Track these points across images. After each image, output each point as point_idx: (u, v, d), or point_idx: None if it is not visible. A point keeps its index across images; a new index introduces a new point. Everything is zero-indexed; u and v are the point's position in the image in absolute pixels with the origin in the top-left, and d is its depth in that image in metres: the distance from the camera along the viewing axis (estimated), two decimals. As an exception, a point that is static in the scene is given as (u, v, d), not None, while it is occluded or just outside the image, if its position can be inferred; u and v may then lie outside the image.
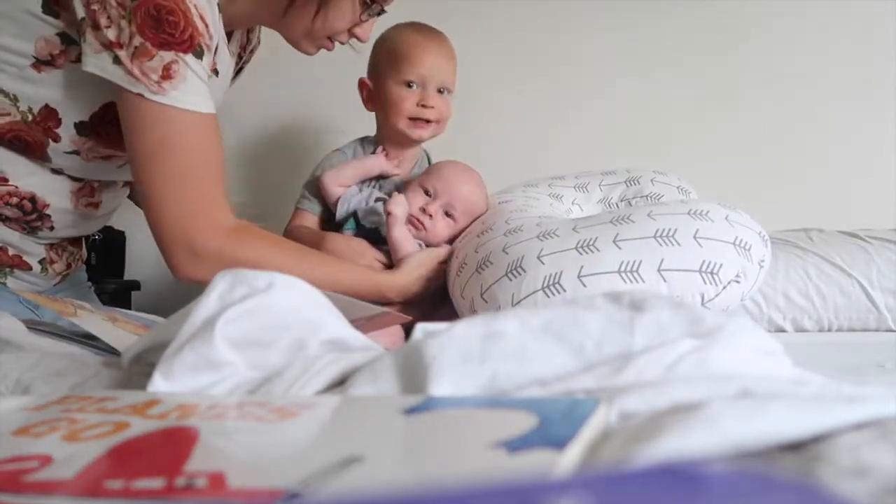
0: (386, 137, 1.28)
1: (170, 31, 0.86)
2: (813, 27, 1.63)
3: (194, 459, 0.34)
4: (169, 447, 0.37)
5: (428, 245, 1.19)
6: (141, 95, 0.87)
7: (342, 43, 1.09)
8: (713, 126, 1.66)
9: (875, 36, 1.61)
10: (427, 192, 1.19)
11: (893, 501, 0.28)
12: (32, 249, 1.08)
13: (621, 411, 0.39)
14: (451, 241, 1.21)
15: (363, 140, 1.32)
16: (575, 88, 1.69)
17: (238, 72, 1.23)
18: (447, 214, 1.19)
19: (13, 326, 0.76)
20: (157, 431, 0.39)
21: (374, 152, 1.29)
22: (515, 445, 0.32)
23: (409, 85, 1.23)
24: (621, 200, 1.28)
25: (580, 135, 1.68)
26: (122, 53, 0.86)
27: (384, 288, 1.09)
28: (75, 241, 1.16)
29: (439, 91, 1.24)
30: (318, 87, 1.47)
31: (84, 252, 1.22)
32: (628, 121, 1.67)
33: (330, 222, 1.25)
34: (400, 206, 1.15)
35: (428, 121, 1.24)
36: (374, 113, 1.31)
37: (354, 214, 1.21)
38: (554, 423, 0.35)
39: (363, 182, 1.27)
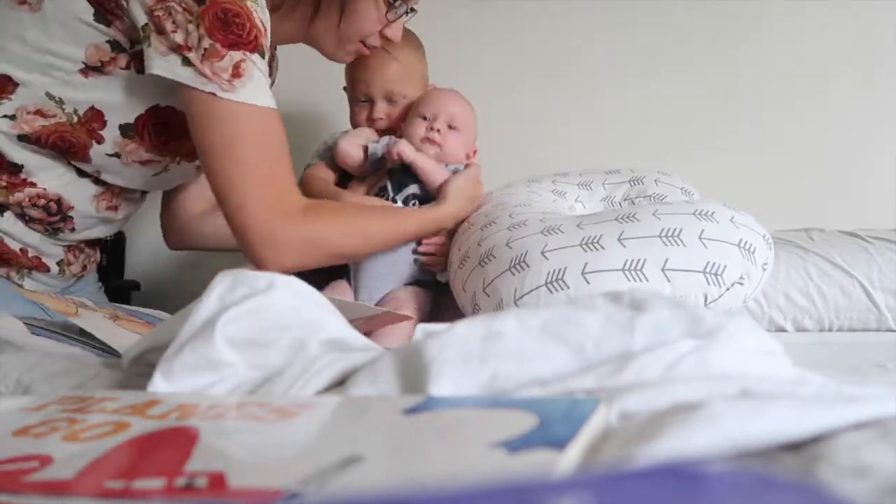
0: None
1: (238, 33, 0.89)
2: (813, 27, 1.63)
3: (194, 459, 0.34)
4: (169, 447, 0.37)
5: (449, 164, 1.25)
6: (213, 94, 0.89)
7: (375, 46, 1.12)
8: (714, 126, 1.65)
9: (875, 36, 1.61)
10: (425, 118, 1.25)
11: (893, 501, 0.28)
12: (51, 251, 1.10)
13: (621, 411, 0.39)
14: (467, 159, 1.27)
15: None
16: (575, 88, 1.69)
17: None
18: (451, 128, 1.25)
19: (13, 327, 0.76)
20: (157, 431, 0.39)
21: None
22: (515, 445, 0.32)
23: (360, 100, 1.29)
24: (624, 200, 1.28)
25: (580, 135, 1.67)
26: (191, 55, 0.88)
27: (441, 221, 1.16)
28: (92, 244, 1.18)
29: (389, 100, 1.28)
30: (322, 76, 1.47)
31: (98, 254, 1.24)
32: (629, 120, 1.67)
33: (344, 181, 1.29)
34: (402, 142, 1.21)
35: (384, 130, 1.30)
36: None
37: (389, 173, 1.24)
38: (554, 423, 0.35)
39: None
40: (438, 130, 1.23)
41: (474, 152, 1.30)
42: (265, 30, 0.93)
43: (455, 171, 1.24)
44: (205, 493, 0.30)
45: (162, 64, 0.89)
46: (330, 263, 1.14)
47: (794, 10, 1.62)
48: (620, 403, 0.39)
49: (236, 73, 0.90)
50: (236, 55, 0.89)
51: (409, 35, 1.30)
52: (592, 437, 0.35)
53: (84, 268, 1.18)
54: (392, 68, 1.26)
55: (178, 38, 0.88)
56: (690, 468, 0.22)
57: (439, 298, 1.19)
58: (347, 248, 1.06)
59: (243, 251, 0.97)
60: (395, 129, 1.30)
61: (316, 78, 1.41)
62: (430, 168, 1.21)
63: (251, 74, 0.91)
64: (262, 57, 0.93)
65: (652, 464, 0.29)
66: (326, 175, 1.29)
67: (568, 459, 0.31)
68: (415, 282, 1.18)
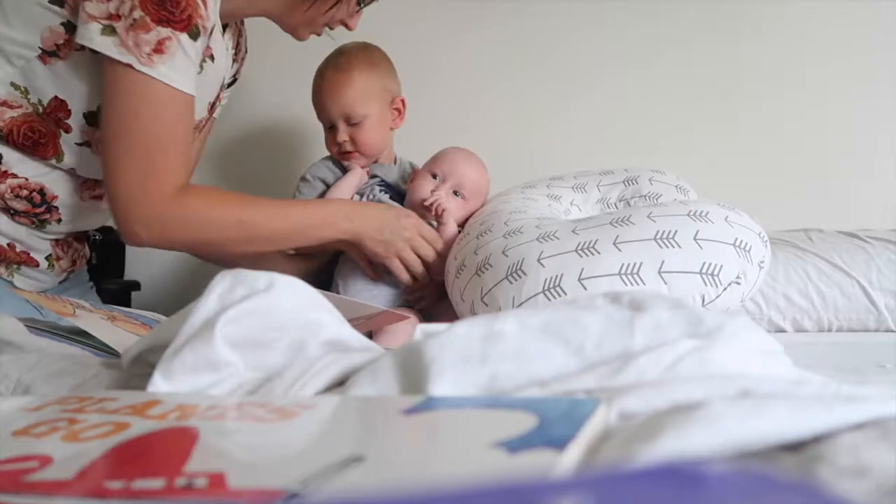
0: None
1: (171, 10, 0.89)
2: (813, 26, 1.63)
3: (194, 459, 0.34)
4: (169, 447, 0.37)
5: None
6: (130, 66, 0.89)
7: (332, 28, 1.13)
8: (713, 126, 1.65)
9: (875, 35, 1.61)
10: (434, 177, 1.24)
11: (893, 502, 0.28)
12: (39, 245, 1.09)
13: (621, 411, 0.39)
14: (464, 222, 1.25)
15: (330, 158, 1.35)
16: (575, 89, 1.69)
17: (233, 80, 1.26)
18: (456, 194, 1.24)
19: (14, 327, 0.76)
20: (157, 432, 0.39)
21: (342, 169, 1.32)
22: (515, 445, 0.32)
23: (326, 126, 1.30)
24: (620, 200, 1.28)
25: (579, 135, 1.67)
26: (118, 25, 0.88)
27: (339, 218, 1.10)
28: (80, 238, 1.18)
29: (349, 122, 1.27)
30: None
31: (87, 250, 1.24)
32: (627, 121, 1.67)
33: None
34: (450, 205, 1.20)
35: (352, 151, 1.29)
36: None
37: None
38: (554, 423, 0.35)
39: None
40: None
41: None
42: (206, 10, 0.92)
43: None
44: (205, 493, 0.30)
45: (84, 31, 0.89)
46: (196, 249, 1.12)
47: (794, 10, 1.62)
48: (620, 403, 0.39)
49: (159, 48, 0.89)
50: (164, 32, 0.89)
51: (365, 51, 1.30)
52: (592, 437, 0.35)
53: (74, 262, 1.17)
54: (346, 91, 1.26)
55: (112, 6, 0.88)
56: (690, 468, 0.22)
57: (426, 319, 1.19)
58: (216, 233, 1.01)
59: (115, 221, 0.98)
60: (364, 151, 1.29)
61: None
62: (446, 232, 1.20)
63: (173, 54, 0.90)
64: (194, 39, 0.92)
65: (652, 464, 0.29)
66: None
67: (568, 459, 0.31)
68: (403, 304, 1.19)
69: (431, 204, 1.20)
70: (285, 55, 1.42)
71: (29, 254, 1.09)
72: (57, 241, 1.12)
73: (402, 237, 1.13)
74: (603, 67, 1.68)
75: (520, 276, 0.96)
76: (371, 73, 1.29)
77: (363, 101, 1.27)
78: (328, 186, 1.29)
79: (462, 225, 1.24)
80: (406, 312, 1.10)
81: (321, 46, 1.41)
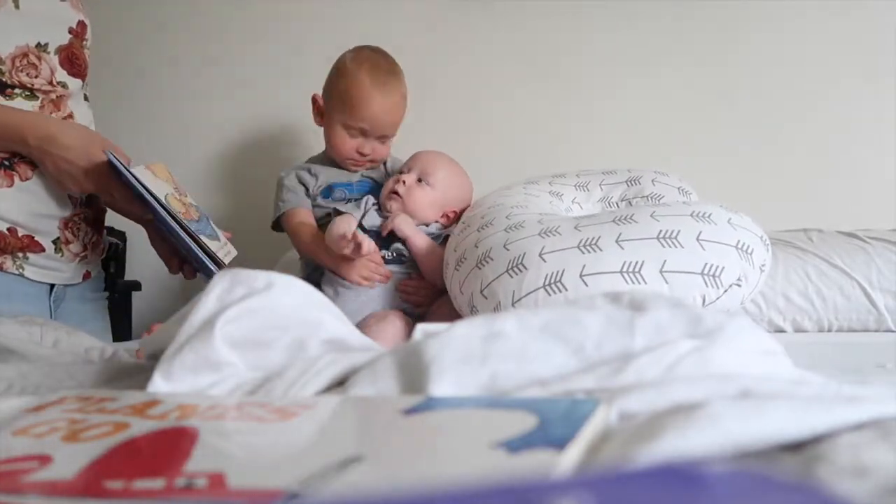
0: (333, 157, 1.33)
1: None
2: (814, 27, 1.63)
3: (194, 459, 0.34)
4: (169, 447, 0.37)
5: (425, 224, 1.23)
6: None
7: None
8: (713, 126, 1.65)
9: (875, 36, 1.61)
10: (402, 173, 1.26)
11: (893, 501, 0.28)
12: (44, 227, 1.05)
13: (621, 411, 0.39)
14: (445, 220, 1.25)
15: (314, 160, 1.36)
16: (576, 89, 1.69)
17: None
18: (421, 181, 1.24)
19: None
20: (157, 431, 0.39)
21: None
22: (515, 445, 0.32)
23: (352, 131, 1.28)
24: (622, 200, 1.28)
25: (581, 134, 1.67)
26: None
27: (27, 129, 1.01)
28: (91, 222, 1.14)
29: (379, 139, 1.29)
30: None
31: (104, 241, 1.19)
32: (628, 121, 1.67)
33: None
34: (398, 220, 1.19)
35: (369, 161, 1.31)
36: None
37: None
38: (554, 423, 0.35)
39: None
40: (404, 182, 1.22)
41: (454, 213, 1.27)
42: None
43: (429, 234, 1.22)
44: (205, 493, 0.30)
45: None
46: None
47: (794, 11, 1.62)
48: (620, 403, 0.39)
49: None
50: None
51: (395, 65, 1.30)
52: (592, 437, 0.35)
53: (85, 248, 1.12)
54: (396, 115, 1.28)
55: None
56: (690, 468, 0.22)
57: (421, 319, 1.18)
58: None
59: None
60: (377, 161, 1.32)
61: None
62: (415, 245, 1.19)
63: None
64: None
65: (652, 464, 0.29)
66: (311, 220, 1.28)
67: (568, 459, 0.31)
68: (396, 306, 1.19)
69: (394, 190, 1.22)
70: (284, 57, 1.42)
71: (33, 238, 1.04)
72: (66, 223, 1.08)
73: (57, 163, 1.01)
74: (605, 69, 1.68)
75: (521, 271, 0.96)
76: (405, 96, 1.31)
77: (400, 119, 1.31)
78: (307, 188, 1.30)
79: (455, 221, 1.23)
80: (394, 314, 1.10)
81: (320, 47, 1.42)
